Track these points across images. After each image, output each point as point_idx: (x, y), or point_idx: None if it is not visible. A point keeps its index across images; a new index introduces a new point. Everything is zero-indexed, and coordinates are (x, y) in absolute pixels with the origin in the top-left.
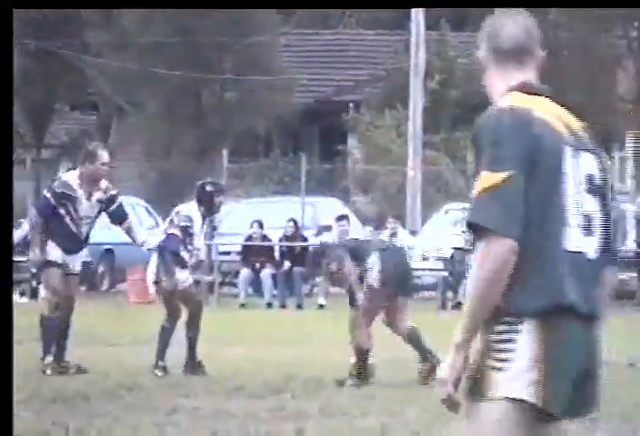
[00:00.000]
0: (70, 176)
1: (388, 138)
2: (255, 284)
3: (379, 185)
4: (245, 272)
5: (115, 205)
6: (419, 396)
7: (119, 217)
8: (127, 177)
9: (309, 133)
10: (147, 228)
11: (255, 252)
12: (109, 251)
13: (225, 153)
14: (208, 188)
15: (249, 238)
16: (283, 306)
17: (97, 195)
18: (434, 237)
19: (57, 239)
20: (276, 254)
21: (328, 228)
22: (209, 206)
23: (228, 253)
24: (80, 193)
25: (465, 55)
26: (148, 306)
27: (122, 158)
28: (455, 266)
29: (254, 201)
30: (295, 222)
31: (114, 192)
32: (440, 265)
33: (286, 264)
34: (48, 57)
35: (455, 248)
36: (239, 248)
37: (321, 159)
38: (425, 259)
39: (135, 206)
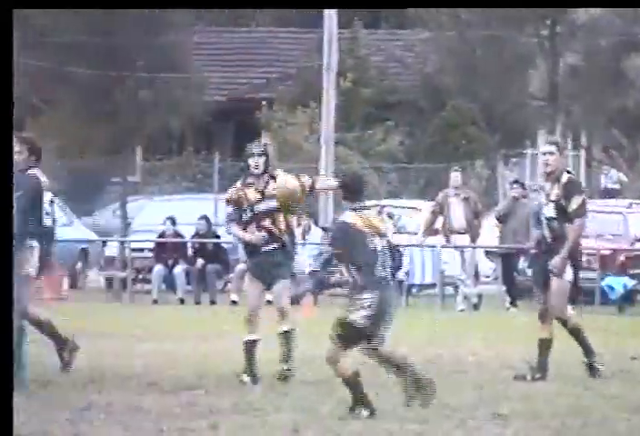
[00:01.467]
0: None
1: (301, 136)
2: (168, 281)
3: None
4: (158, 269)
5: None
6: (332, 392)
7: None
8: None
9: (222, 131)
10: (60, 225)
11: (168, 249)
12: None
13: (138, 150)
14: None
15: (162, 235)
16: (197, 302)
17: None
18: None
19: None
20: (189, 251)
21: None
22: None
23: (142, 250)
24: None
25: (378, 54)
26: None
27: None
28: None
29: (166, 198)
30: (207, 220)
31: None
32: None
33: (199, 261)
34: None
35: None
36: (152, 245)
37: (234, 157)
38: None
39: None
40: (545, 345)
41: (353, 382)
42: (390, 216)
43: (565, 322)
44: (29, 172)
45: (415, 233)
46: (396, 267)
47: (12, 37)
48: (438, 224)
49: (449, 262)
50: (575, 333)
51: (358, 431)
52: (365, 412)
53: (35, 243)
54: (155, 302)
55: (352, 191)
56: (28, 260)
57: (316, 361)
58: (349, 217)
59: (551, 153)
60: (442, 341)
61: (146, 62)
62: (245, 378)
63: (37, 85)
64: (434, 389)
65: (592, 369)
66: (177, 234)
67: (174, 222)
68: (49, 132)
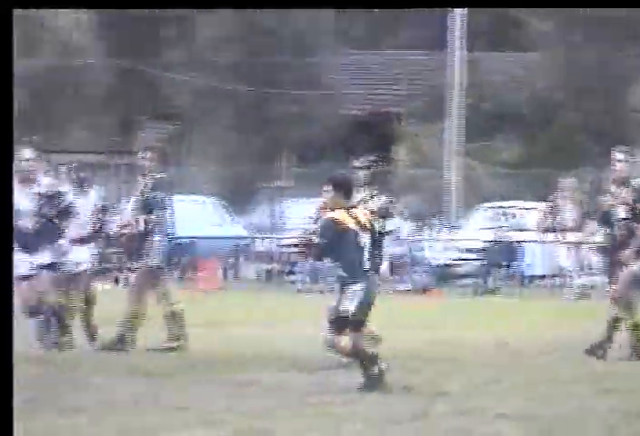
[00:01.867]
0: None
1: (429, 146)
2: (312, 273)
3: (421, 187)
4: (302, 262)
5: (61, 202)
6: (461, 371)
7: (64, 213)
8: (204, 179)
9: (360, 142)
10: (212, 224)
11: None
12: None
13: (290, 158)
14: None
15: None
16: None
17: (35, 190)
18: (470, 232)
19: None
20: None
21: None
22: None
23: (289, 246)
24: (17, 192)
25: (497, 72)
26: None
27: (197, 163)
28: (487, 257)
29: (311, 201)
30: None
31: (59, 189)
32: (474, 256)
33: None
34: (134, 75)
35: (488, 241)
36: (298, 241)
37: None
38: (462, 250)
39: (205, 204)
40: (615, 323)
41: (356, 352)
42: (512, 216)
43: (629, 306)
44: (158, 176)
45: (533, 231)
46: (380, 259)
47: (12, 37)
48: (553, 223)
49: (562, 255)
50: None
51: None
52: (383, 365)
53: (161, 238)
54: (299, 291)
55: (343, 191)
56: (155, 253)
57: (441, 343)
58: (337, 214)
59: (620, 161)
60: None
61: (295, 80)
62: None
63: (201, 101)
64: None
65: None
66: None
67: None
68: (209, 141)
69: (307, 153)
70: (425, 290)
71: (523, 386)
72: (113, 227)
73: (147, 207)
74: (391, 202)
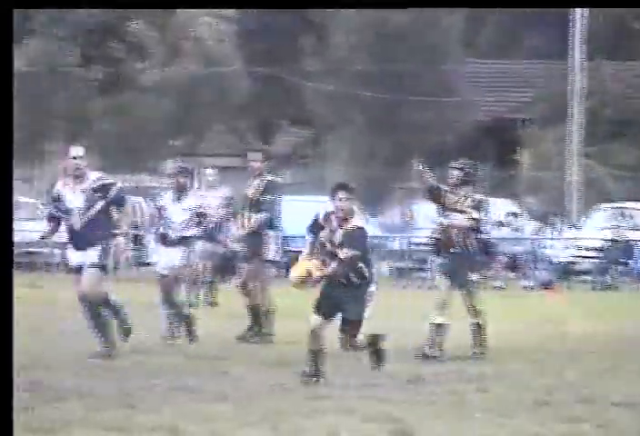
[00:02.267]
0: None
1: (551, 150)
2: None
3: (544, 188)
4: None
5: (112, 193)
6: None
7: (116, 203)
8: (340, 181)
9: (486, 146)
10: None
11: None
12: None
13: (417, 161)
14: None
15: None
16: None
17: (83, 186)
18: (590, 231)
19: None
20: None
21: (501, 223)
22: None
23: (419, 244)
24: (61, 188)
25: (615, 80)
26: None
27: (332, 165)
28: (606, 255)
29: None
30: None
31: (107, 181)
32: (594, 254)
33: None
34: (274, 81)
35: (607, 240)
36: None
37: (496, 167)
38: (582, 249)
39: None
40: None
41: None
42: (630, 216)
43: None
44: (269, 177)
45: None
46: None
47: (12, 37)
48: None
49: None
50: None
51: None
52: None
53: (271, 233)
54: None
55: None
56: (267, 246)
57: (563, 335)
58: (360, 222)
59: None
60: None
61: (425, 87)
62: None
63: (334, 107)
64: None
65: None
66: None
67: None
68: (343, 145)
69: (436, 157)
70: (546, 286)
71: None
72: (226, 226)
73: (257, 207)
74: (482, 201)
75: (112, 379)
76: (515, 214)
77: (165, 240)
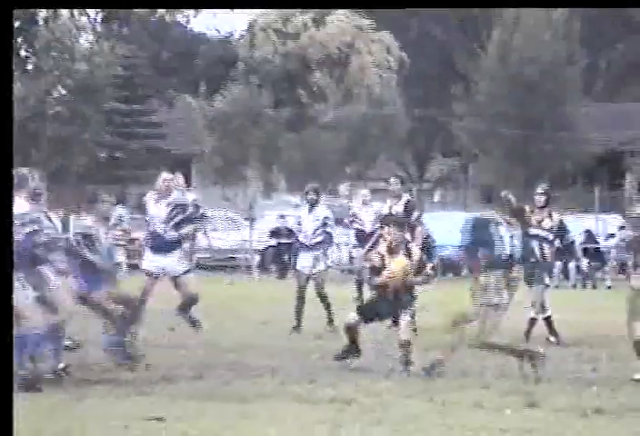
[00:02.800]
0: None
1: None
2: (564, 273)
3: None
4: (558, 265)
5: (187, 212)
6: None
7: (187, 222)
8: (479, 200)
9: (600, 173)
10: None
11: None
12: None
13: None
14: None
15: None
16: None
17: (167, 200)
18: None
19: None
20: (579, 253)
21: (613, 235)
22: None
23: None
24: (149, 199)
25: None
26: None
27: (475, 187)
28: None
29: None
30: (590, 232)
31: (183, 201)
32: None
33: (585, 260)
34: (429, 121)
35: None
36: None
37: (608, 189)
38: None
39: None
40: None
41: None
42: None
43: None
44: (404, 198)
45: None
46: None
47: (12, 37)
48: None
49: None
50: None
51: None
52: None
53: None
54: (557, 287)
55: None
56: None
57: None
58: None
59: None
60: None
61: (551, 125)
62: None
63: (477, 141)
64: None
65: None
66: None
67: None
68: (485, 171)
69: (559, 181)
70: None
71: None
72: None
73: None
74: (562, 221)
75: (297, 359)
76: (622, 227)
77: (302, 246)
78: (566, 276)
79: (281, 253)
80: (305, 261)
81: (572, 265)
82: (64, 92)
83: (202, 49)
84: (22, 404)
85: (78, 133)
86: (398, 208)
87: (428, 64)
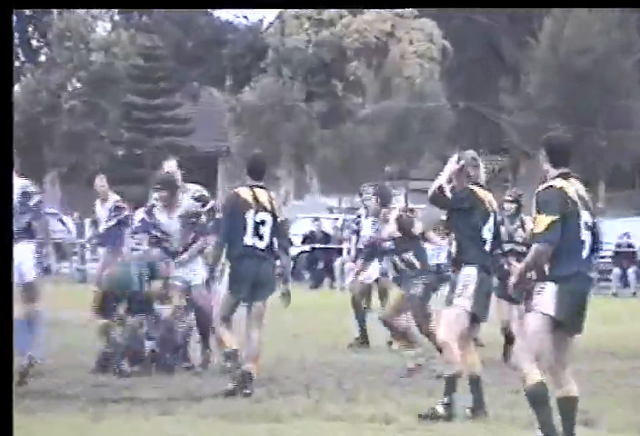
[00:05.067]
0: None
1: None
2: (624, 280)
3: None
4: (615, 270)
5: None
6: None
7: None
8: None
9: None
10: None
11: (624, 256)
12: None
13: (602, 184)
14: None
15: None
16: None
17: (177, 213)
18: None
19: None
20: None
21: None
22: None
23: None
24: (160, 215)
25: None
26: None
27: (523, 186)
28: None
29: (623, 220)
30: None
31: (198, 209)
32: None
33: None
34: (474, 114)
35: None
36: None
37: None
38: None
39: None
40: None
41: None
42: None
43: None
44: None
45: None
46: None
47: (12, 37)
48: None
49: None
50: None
51: None
52: None
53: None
54: (615, 295)
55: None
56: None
57: None
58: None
59: None
60: None
61: (604, 119)
62: None
63: (527, 137)
64: None
65: None
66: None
67: (629, 237)
68: (535, 170)
69: (615, 180)
70: None
71: None
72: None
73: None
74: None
75: (333, 375)
76: None
77: (362, 254)
78: (625, 283)
79: (315, 260)
80: (370, 269)
81: (631, 271)
82: (79, 85)
83: (229, 38)
84: (37, 428)
85: (95, 129)
86: (390, 228)
87: (473, 54)
